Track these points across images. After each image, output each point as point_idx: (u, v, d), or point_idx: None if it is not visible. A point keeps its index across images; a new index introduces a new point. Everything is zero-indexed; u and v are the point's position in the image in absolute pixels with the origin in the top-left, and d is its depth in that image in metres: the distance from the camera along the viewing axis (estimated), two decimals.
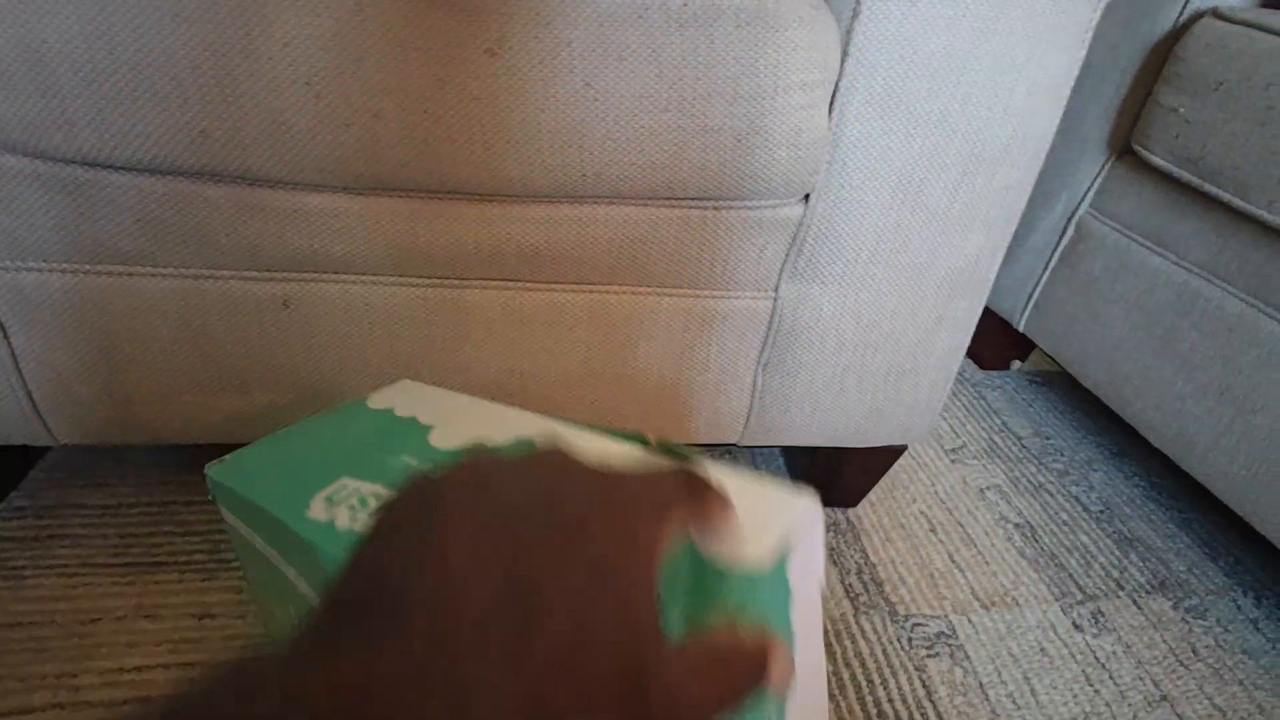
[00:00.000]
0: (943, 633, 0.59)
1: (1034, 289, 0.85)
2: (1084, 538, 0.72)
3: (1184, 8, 0.69)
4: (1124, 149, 0.76)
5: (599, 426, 0.33)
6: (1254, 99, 0.60)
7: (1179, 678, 0.59)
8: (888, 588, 0.63)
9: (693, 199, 0.47)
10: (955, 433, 0.84)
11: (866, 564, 0.65)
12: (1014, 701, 0.55)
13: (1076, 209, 0.80)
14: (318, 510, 0.32)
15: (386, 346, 0.50)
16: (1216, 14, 0.66)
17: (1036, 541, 0.70)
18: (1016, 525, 0.72)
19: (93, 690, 0.47)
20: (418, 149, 0.41)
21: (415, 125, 0.41)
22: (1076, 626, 0.62)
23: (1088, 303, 0.78)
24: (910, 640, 0.58)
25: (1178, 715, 0.56)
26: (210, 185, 0.42)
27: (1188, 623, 0.64)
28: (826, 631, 0.58)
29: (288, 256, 0.46)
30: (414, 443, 0.36)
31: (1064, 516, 0.74)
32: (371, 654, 0.15)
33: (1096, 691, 0.57)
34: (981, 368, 0.99)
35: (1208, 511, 0.78)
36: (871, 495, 0.73)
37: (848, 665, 0.55)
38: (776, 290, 0.53)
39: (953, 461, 0.80)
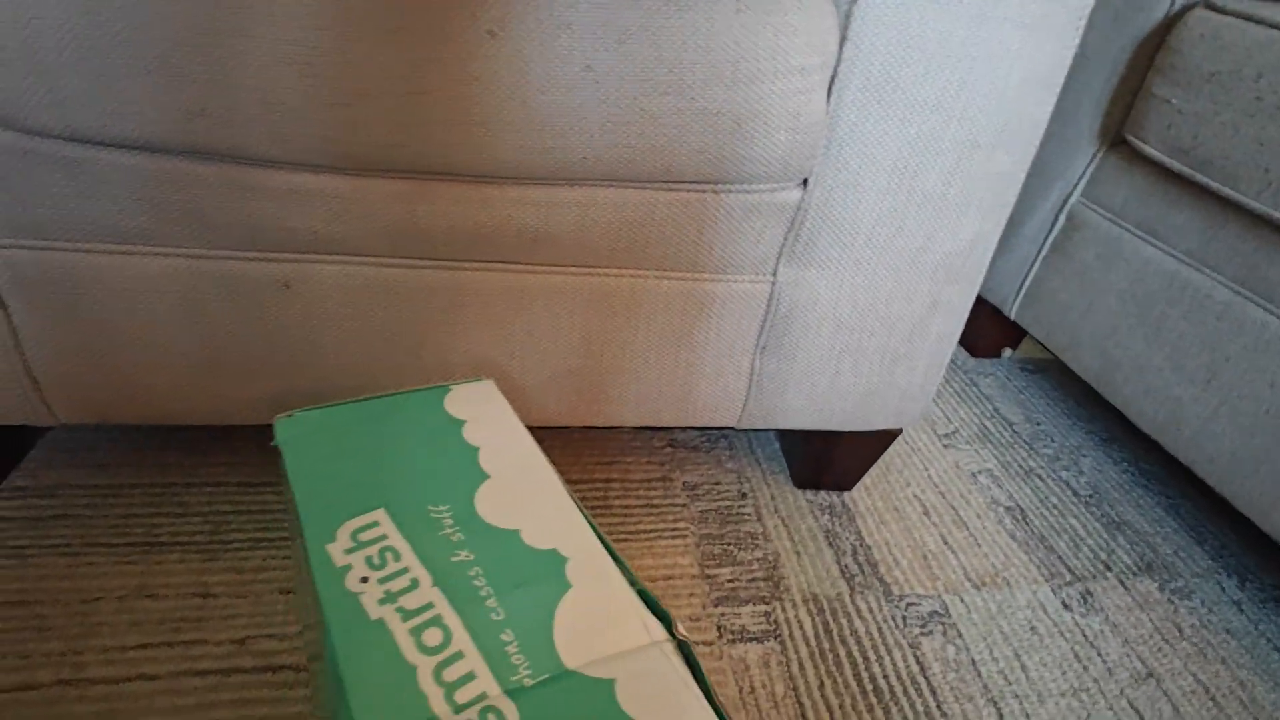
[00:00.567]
0: (936, 611, 0.60)
1: (1026, 277, 0.86)
2: (1073, 521, 0.73)
3: (1174, 0, 0.70)
4: (1116, 139, 0.77)
5: (632, 577, 0.33)
6: (1245, 90, 0.60)
7: (1165, 656, 0.60)
8: (882, 569, 0.64)
9: (691, 182, 0.47)
10: (948, 418, 0.85)
11: (861, 546, 0.66)
12: (1005, 678, 0.56)
13: (1068, 198, 0.80)
14: (340, 544, 0.32)
15: (386, 328, 0.51)
16: (1209, 5, 0.67)
17: (1027, 524, 0.71)
18: (1007, 508, 0.73)
19: (96, 667, 0.47)
20: (412, 130, 0.42)
21: (411, 106, 0.41)
22: (1065, 606, 0.63)
23: (1079, 291, 0.79)
24: (904, 619, 0.59)
25: (1163, 691, 0.57)
26: (204, 164, 0.42)
27: (1173, 603, 0.65)
28: (824, 610, 0.59)
29: (286, 237, 0.46)
30: (461, 495, 0.35)
31: (1054, 500, 0.75)
32: None
33: (1085, 668, 0.58)
34: (973, 355, 1.00)
35: (1194, 497, 0.79)
36: (866, 479, 0.74)
37: (844, 643, 0.56)
38: (774, 274, 0.53)
39: (945, 446, 0.81)
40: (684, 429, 0.77)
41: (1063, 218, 0.81)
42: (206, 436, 0.66)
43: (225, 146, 0.41)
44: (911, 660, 0.56)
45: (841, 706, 0.52)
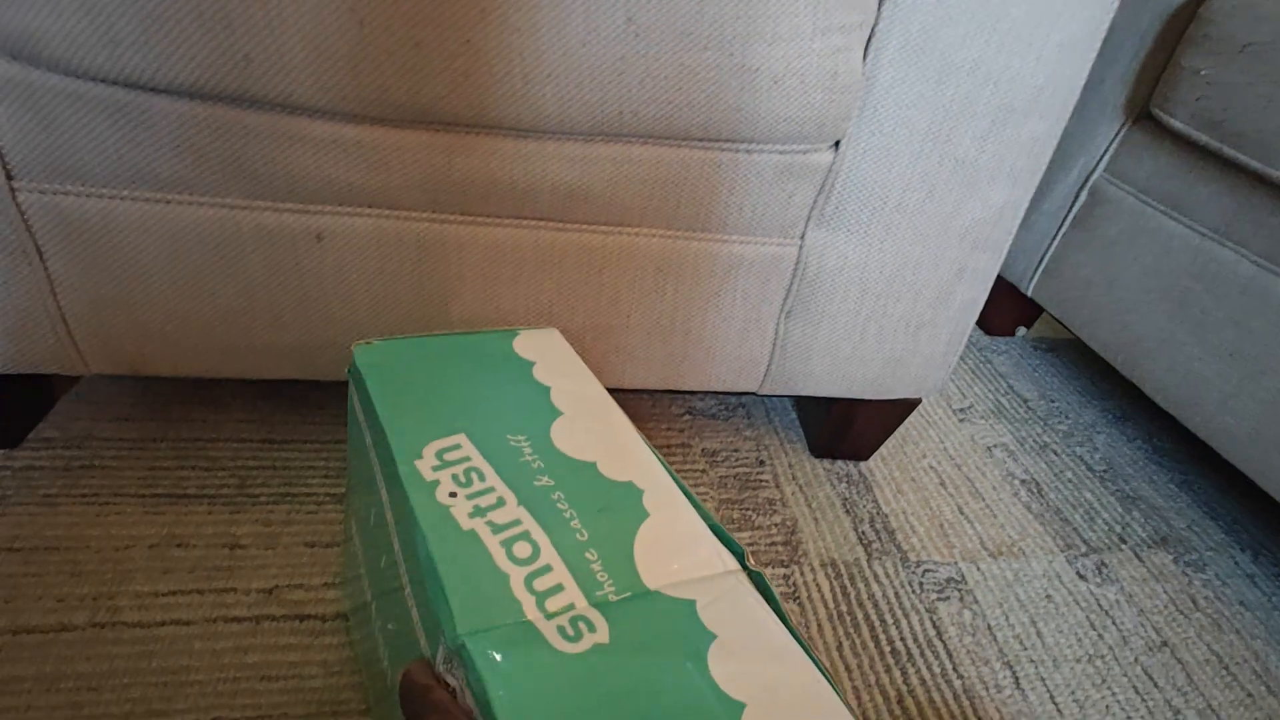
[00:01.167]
0: (952, 578, 0.61)
1: (1045, 254, 0.86)
2: (1088, 495, 0.73)
3: None
4: (1141, 113, 0.77)
5: (704, 512, 0.33)
6: None
7: (1179, 626, 0.61)
8: (899, 536, 0.64)
9: (727, 140, 0.47)
10: (963, 394, 0.86)
11: (879, 514, 0.66)
12: (1021, 643, 0.57)
13: (1091, 173, 0.80)
14: (427, 462, 0.33)
15: (417, 282, 0.51)
16: None
17: (1042, 497, 0.72)
18: (1023, 481, 0.74)
19: (130, 611, 0.48)
20: (457, 80, 0.42)
21: (456, 56, 0.41)
22: (1081, 576, 0.64)
23: (1101, 267, 0.79)
24: (921, 585, 0.60)
25: (1178, 660, 0.58)
26: (250, 112, 0.42)
27: (1188, 576, 0.66)
28: (841, 575, 0.60)
29: (323, 188, 0.46)
30: (538, 428, 0.36)
31: (1069, 475, 0.76)
32: None
33: (1100, 636, 0.58)
34: (988, 333, 1.00)
35: (1208, 473, 0.80)
36: (882, 450, 0.75)
37: (861, 606, 0.57)
38: (803, 237, 0.54)
39: (961, 420, 0.81)
40: (702, 397, 0.77)
41: (1085, 193, 0.81)
42: (228, 393, 0.67)
43: (273, 93, 0.41)
44: (928, 624, 0.57)
45: (860, 667, 0.53)
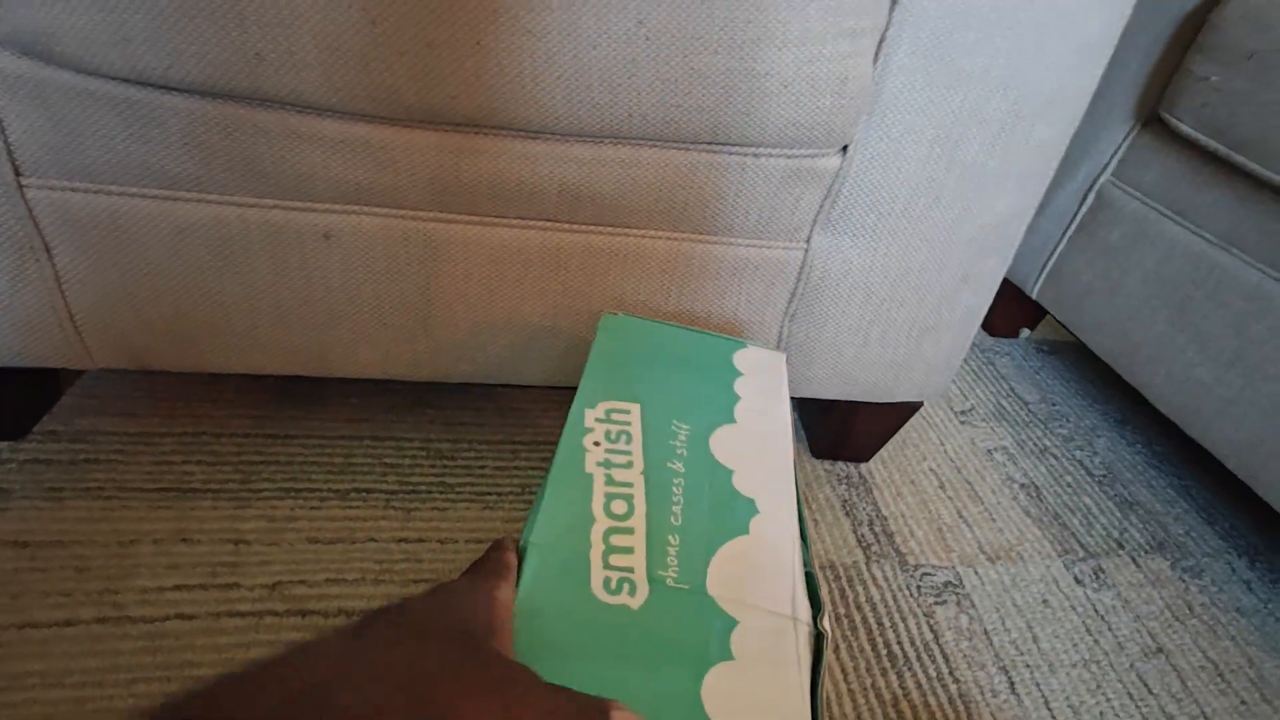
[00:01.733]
0: (950, 582, 0.61)
1: (1050, 257, 0.86)
2: (1087, 499, 0.74)
3: None
4: (1150, 117, 0.77)
5: (808, 559, 0.35)
6: None
7: (1174, 632, 0.61)
8: (898, 539, 0.65)
9: (735, 144, 0.47)
10: (964, 396, 0.86)
11: (878, 516, 0.67)
12: (1017, 647, 0.57)
13: (1098, 177, 0.80)
14: (596, 412, 0.39)
15: (424, 282, 0.51)
16: None
17: (1041, 501, 0.72)
18: (1022, 485, 0.74)
19: (135, 606, 0.48)
20: (468, 81, 0.42)
21: (467, 56, 0.41)
22: (1078, 581, 0.64)
23: (1104, 271, 0.79)
24: (919, 588, 0.60)
25: (1173, 666, 0.58)
26: (261, 110, 0.42)
27: (1184, 581, 0.66)
28: (839, 577, 0.60)
29: (331, 187, 0.46)
30: (703, 425, 0.40)
31: (1068, 479, 0.76)
32: None
33: (1096, 641, 0.59)
34: (991, 335, 1.00)
35: (1206, 479, 0.80)
36: (883, 452, 0.75)
37: (859, 609, 0.58)
38: (808, 241, 0.54)
39: (962, 423, 0.81)
40: None
41: (1091, 197, 0.81)
42: (233, 388, 0.67)
43: (283, 92, 0.41)
44: (925, 628, 0.57)
45: (856, 670, 0.53)
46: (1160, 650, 0.59)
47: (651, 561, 0.31)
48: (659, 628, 0.29)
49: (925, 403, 0.83)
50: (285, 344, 0.53)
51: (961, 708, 0.52)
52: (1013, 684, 0.54)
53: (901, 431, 0.79)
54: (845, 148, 0.50)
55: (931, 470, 0.74)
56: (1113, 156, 0.79)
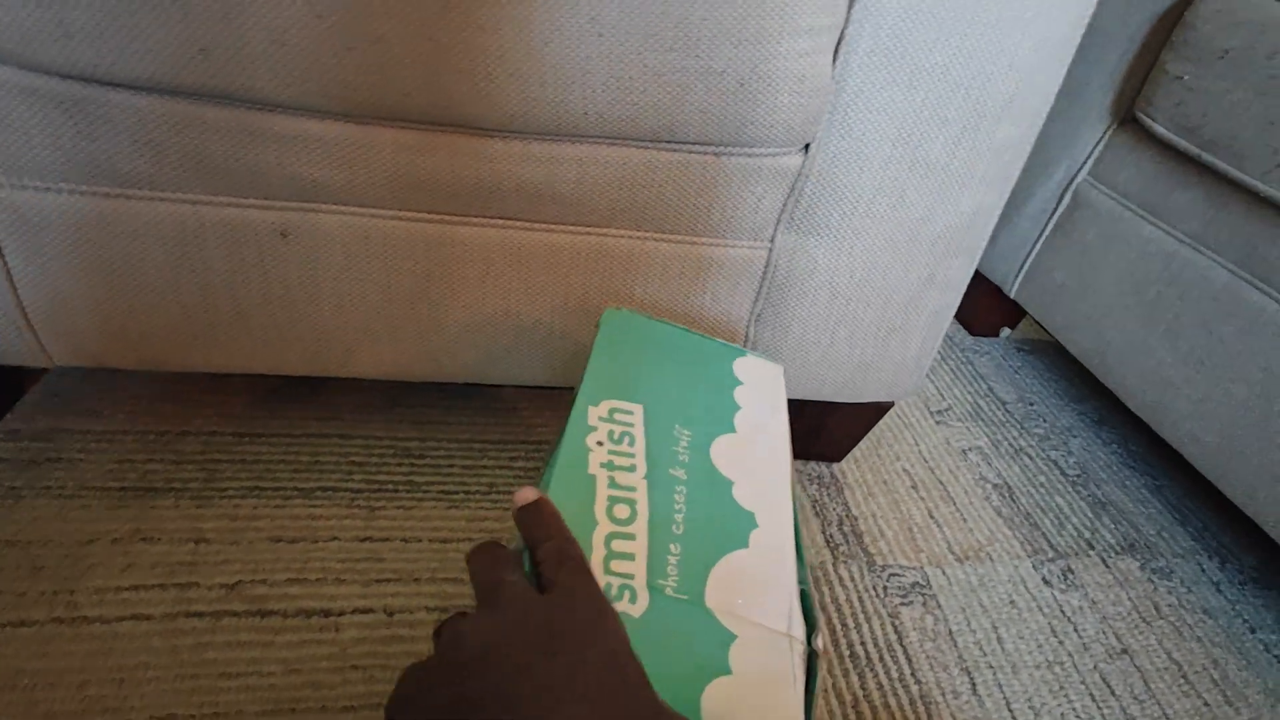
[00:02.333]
0: (917, 583, 0.61)
1: (1027, 256, 0.86)
2: (1059, 500, 0.74)
3: None
4: (1126, 117, 0.76)
5: (804, 575, 0.35)
6: (1257, 68, 0.60)
7: (1140, 633, 0.61)
8: (867, 539, 0.64)
9: (693, 143, 0.47)
10: (941, 395, 0.86)
11: (848, 516, 0.66)
12: (980, 649, 0.57)
13: (1075, 177, 0.80)
14: (599, 411, 0.38)
15: (384, 281, 0.51)
16: None
17: (1014, 502, 0.72)
18: (995, 485, 0.74)
19: (90, 607, 0.48)
20: (421, 77, 0.41)
21: (419, 52, 0.40)
22: (1046, 582, 0.64)
23: (1078, 271, 0.79)
24: (885, 589, 0.60)
25: (1136, 667, 0.58)
26: (210, 107, 0.42)
27: (1153, 582, 0.66)
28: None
29: (287, 185, 0.46)
30: (705, 432, 0.40)
31: (1041, 479, 0.76)
32: None
33: (1060, 642, 0.59)
34: (971, 334, 1.00)
35: (1179, 479, 0.80)
36: (856, 451, 0.75)
37: (824, 610, 0.57)
38: (772, 240, 0.53)
39: (938, 423, 0.81)
40: None
41: (1068, 196, 0.80)
42: (199, 388, 0.66)
43: (232, 88, 0.40)
44: (890, 629, 0.57)
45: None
46: (1125, 651, 0.59)
47: (652, 570, 0.31)
48: (659, 637, 0.29)
49: (900, 402, 0.83)
50: (245, 344, 0.53)
51: (922, 709, 0.52)
52: (974, 685, 0.54)
53: (875, 431, 0.79)
54: (807, 146, 0.49)
55: (905, 470, 0.73)
56: (1089, 156, 0.79)
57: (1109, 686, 0.56)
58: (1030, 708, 0.53)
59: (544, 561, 0.30)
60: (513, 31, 0.40)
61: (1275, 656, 0.61)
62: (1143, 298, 0.71)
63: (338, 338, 0.53)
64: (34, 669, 0.44)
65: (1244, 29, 0.61)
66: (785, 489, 0.38)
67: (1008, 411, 0.86)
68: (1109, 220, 0.76)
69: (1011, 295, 0.89)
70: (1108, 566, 0.67)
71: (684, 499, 0.35)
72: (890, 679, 0.53)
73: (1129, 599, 0.64)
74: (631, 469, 0.36)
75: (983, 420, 0.83)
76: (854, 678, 0.53)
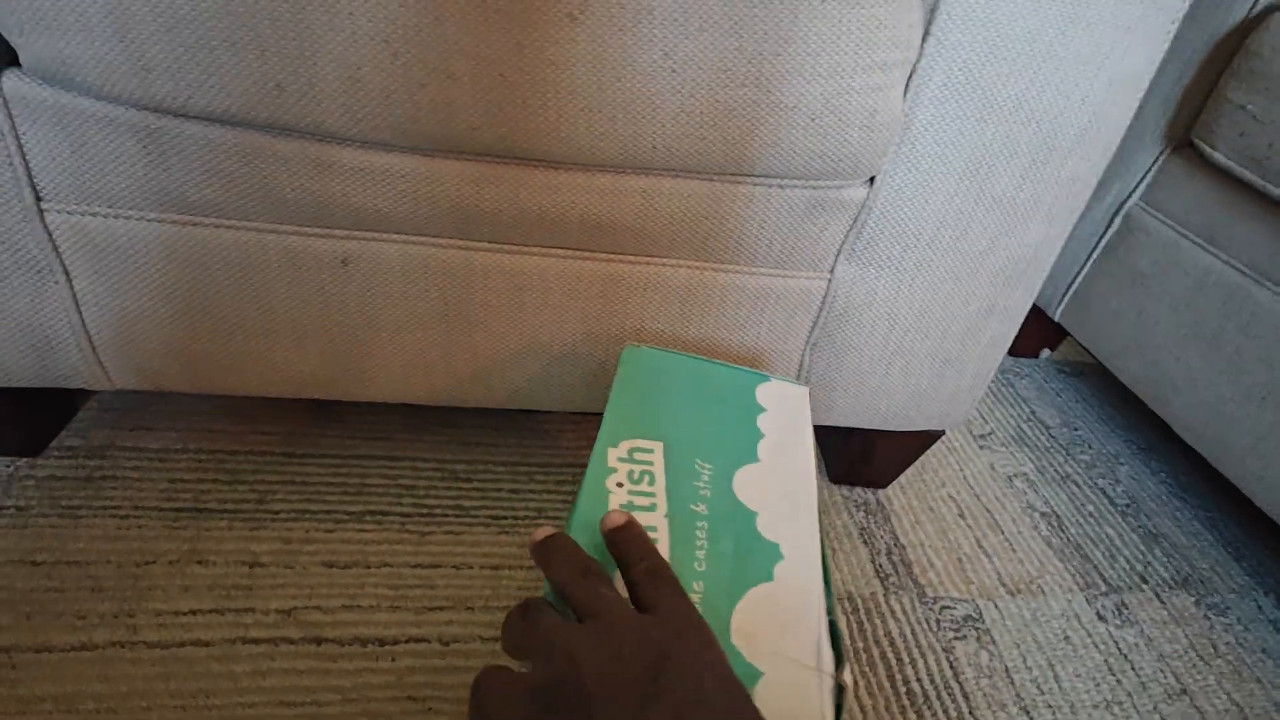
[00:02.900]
0: (970, 616, 0.60)
1: (1074, 279, 0.84)
2: (1109, 530, 0.72)
3: (1255, 2, 0.67)
4: (1182, 141, 0.75)
5: (831, 605, 0.34)
6: None
7: (1199, 672, 0.60)
8: (916, 570, 0.64)
9: (759, 176, 0.46)
10: (984, 419, 0.85)
11: (896, 545, 0.66)
12: (1038, 687, 0.56)
13: (1126, 201, 0.79)
14: (618, 452, 0.38)
15: (442, 309, 0.51)
16: None
17: (1063, 531, 0.71)
18: (1043, 514, 0.73)
19: (150, 630, 0.48)
20: (490, 113, 0.41)
21: (490, 89, 0.40)
22: (1100, 617, 0.63)
23: (1131, 297, 0.77)
24: (938, 622, 0.59)
25: (1196, 709, 0.57)
26: (281, 140, 0.42)
27: (1209, 619, 0.65)
28: (858, 609, 0.59)
29: (350, 215, 0.46)
30: (727, 464, 0.40)
31: (1090, 508, 0.75)
32: None
33: (1118, 681, 0.58)
34: (1011, 354, 0.99)
35: (1233, 512, 0.78)
36: (901, 477, 0.74)
37: (877, 643, 0.57)
38: (832, 271, 0.53)
39: (981, 447, 0.80)
40: None
41: (1118, 220, 0.79)
42: (248, 405, 0.67)
43: (304, 122, 0.40)
44: (945, 664, 0.56)
45: (875, 708, 0.53)
46: (1184, 692, 0.58)
47: None
48: None
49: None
50: (302, 368, 0.53)
51: None
52: None
53: (920, 456, 0.78)
54: (872, 179, 0.49)
55: (950, 497, 0.72)
56: (1141, 180, 0.77)
57: None
58: None
59: (639, 583, 0.31)
60: (585, 68, 0.40)
61: None
62: (1201, 330, 0.69)
63: (393, 364, 0.53)
64: (97, 693, 0.45)
65: None
66: (811, 516, 0.38)
67: (1052, 436, 0.84)
68: (1163, 247, 0.74)
69: (1055, 318, 0.88)
70: (1162, 602, 0.66)
71: (706, 535, 0.35)
72: (949, 717, 0.52)
73: (1185, 636, 0.63)
74: (652, 508, 0.36)
75: (1027, 445, 0.82)
76: (912, 715, 0.52)
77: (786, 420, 0.44)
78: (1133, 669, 0.59)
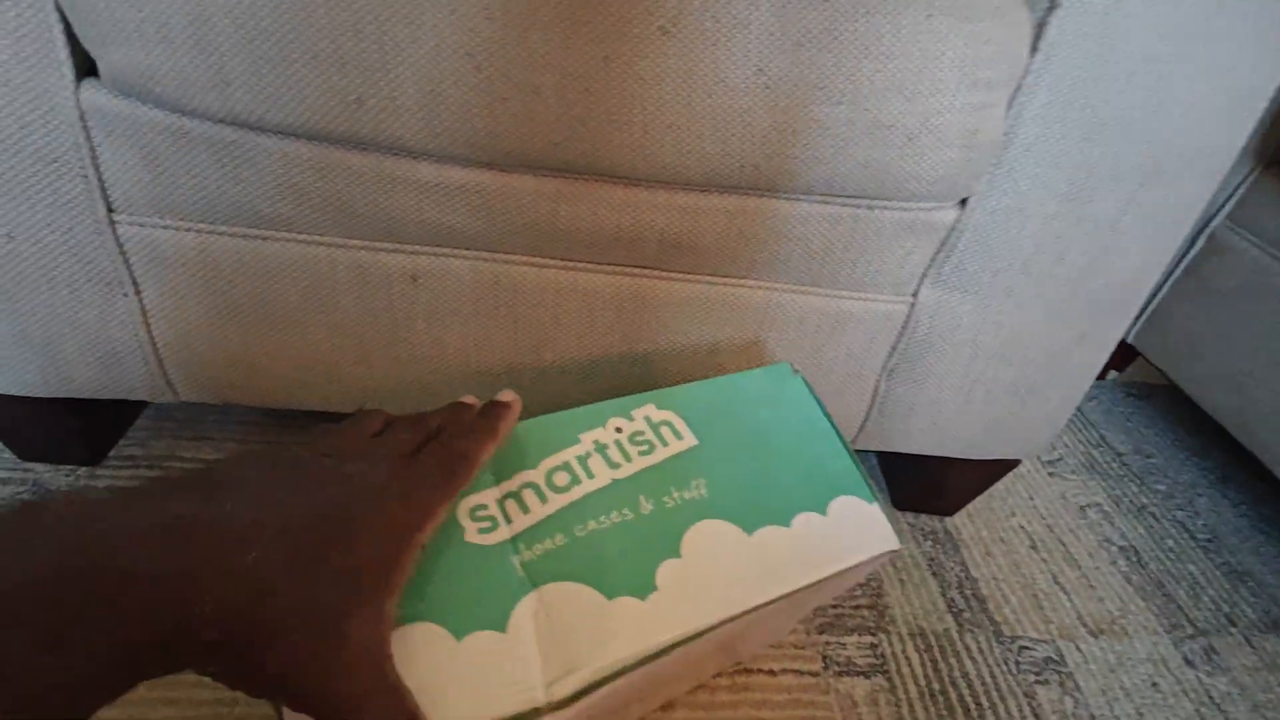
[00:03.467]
0: (1050, 658, 0.57)
1: (1151, 300, 0.81)
2: (1191, 567, 0.69)
3: None
4: (1273, 159, 0.71)
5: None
6: None
7: None
8: (991, 605, 0.61)
9: (848, 197, 0.44)
10: (1052, 444, 0.81)
11: (967, 578, 0.63)
12: None
13: (1212, 219, 0.75)
14: (646, 412, 0.39)
15: (511, 326, 0.49)
16: None
17: (1143, 568, 0.67)
18: (1121, 549, 0.69)
19: None
20: (573, 128, 0.39)
21: (574, 103, 0.39)
22: (1188, 662, 0.59)
23: (1214, 320, 0.73)
24: (1018, 664, 0.56)
25: None
26: (356, 154, 0.41)
27: None
28: (931, 646, 0.56)
29: (422, 230, 0.44)
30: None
31: (1170, 543, 0.71)
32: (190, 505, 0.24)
33: None
34: None
35: None
36: (969, 506, 0.71)
37: (954, 685, 0.54)
38: (915, 295, 0.50)
39: (1050, 475, 0.77)
40: None
41: (1202, 240, 0.75)
42: (309, 417, 0.66)
43: (381, 136, 0.39)
44: (1027, 711, 0.53)
45: None
46: None
47: (523, 536, 0.32)
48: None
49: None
50: (367, 384, 0.52)
51: None
52: None
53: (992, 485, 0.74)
54: (964, 200, 0.46)
55: (1021, 527, 0.69)
56: (1229, 199, 0.73)
57: None
58: None
59: (440, 432, 0.33)
60: (675, 83, 0.38)
61: None
62: None
63: (458, 380, 0.52)
64: (159, 717, 0.44)
65: None
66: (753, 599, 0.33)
67: (1124, 464, 0.81)
68: (1253, 270, 0.70)
69: (1129, 339, 0.84)
70: (1253, 647, 0.62)
71: (614, 522, 0.33)
72: None
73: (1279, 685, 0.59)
74: (616, 465, 0.35)
75: (1098, 473, 0.78)
76: None
77: (837, 536, 0.36)
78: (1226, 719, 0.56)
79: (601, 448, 0.36)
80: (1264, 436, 0.68)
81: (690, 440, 0.38)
